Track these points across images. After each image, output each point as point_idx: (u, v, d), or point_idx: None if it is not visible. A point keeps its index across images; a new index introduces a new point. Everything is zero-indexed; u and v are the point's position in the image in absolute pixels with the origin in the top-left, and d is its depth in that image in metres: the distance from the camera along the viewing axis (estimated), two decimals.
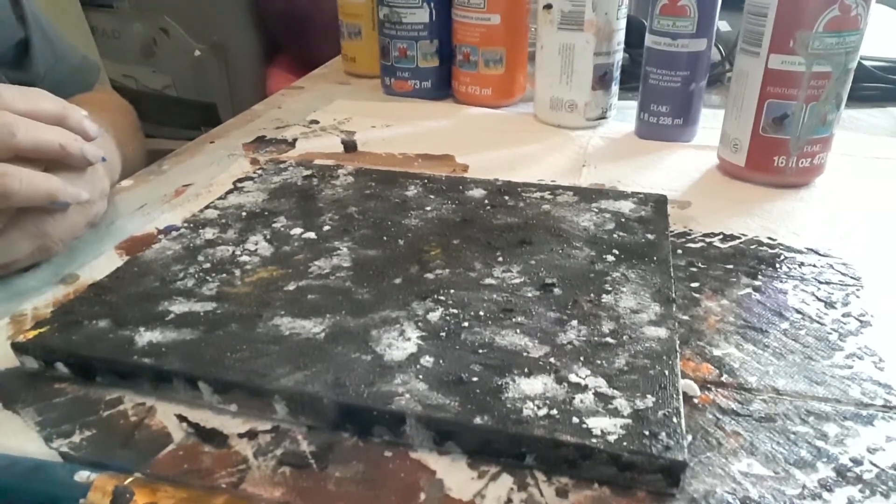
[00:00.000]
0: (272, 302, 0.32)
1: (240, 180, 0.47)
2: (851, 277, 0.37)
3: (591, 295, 0.33)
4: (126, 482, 0.25)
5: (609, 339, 0.30)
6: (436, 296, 0.33)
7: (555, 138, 0.57)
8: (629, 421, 0.25)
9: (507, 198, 0.43)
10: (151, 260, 0.36)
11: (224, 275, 0.35)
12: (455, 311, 0.32)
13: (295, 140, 0.57)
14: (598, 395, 0.26)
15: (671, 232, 0.41)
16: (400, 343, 0.29)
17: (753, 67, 0.46)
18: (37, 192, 0.33)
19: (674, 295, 0.33)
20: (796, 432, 0.27)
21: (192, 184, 0.49)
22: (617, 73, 0.59)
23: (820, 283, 0.36)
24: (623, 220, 0.40)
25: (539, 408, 0.26)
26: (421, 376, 0.27)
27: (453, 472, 0.25)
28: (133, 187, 0.49)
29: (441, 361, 0.28)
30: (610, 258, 0.36)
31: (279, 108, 0.67)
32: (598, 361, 0.28)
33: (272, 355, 0.29)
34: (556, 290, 0.33)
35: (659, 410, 0.25)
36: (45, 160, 0.35)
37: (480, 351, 0.29)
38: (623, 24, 0.57)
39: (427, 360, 0.28)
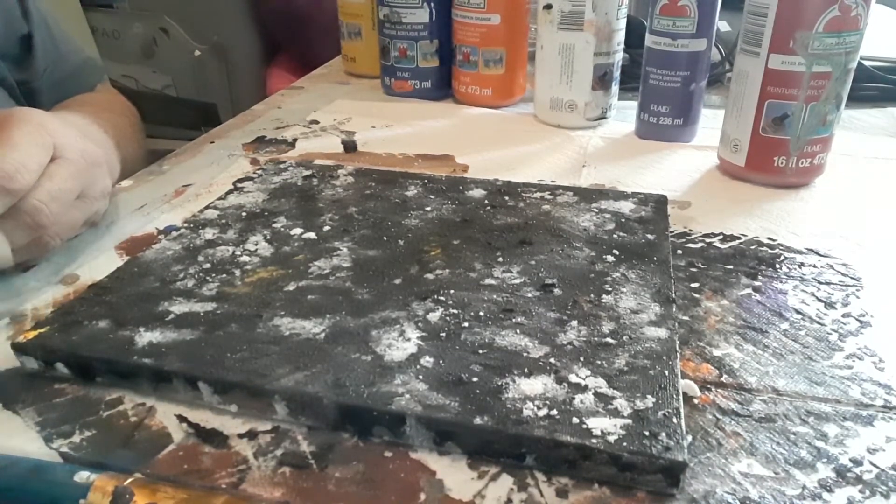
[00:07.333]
0: (272, 302, 0.32)
1: (240, 180, 0.47)
2: (851, 278, 0.37)
3: (591, 295, 0.33)
4: (126, 482, 0.25)
5: (609, 340, 0.30)
6: (436, 296, 0.33)
7: (555, 138, 0.57)
8: (629, 421, 0.25)
9: (507, 198, 0.43)
10: (151, 260, 0.36)
11: (224, 275, 0.35)
12: (455, 311, 0.32)
13: (295, 140, 0.57)
14: (598, 396, 0.26)
15: (671, 232, 0.41)
16: (400, 343, 0.29)
17: (753, 67, 0.46)
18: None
19: (674, 295, 0.33)
20: (796, 433, 0.27)
21: (192, 184, 0.49)
22: (617, 73, 0.59)
23: (820, 283, 0.36)
24: (623, 220, 0.40)
25: (539, 408, 0.26)
26: (421, 377, 0.27)
27: (453, 473, 0.25)
28: (133, 187, 0.49)
29: (441, 362, 0.28)
30: (610, 258, 0.36)
31: (279, 108, 0.67)
32: (598, 362, 0.28)
33: (272, 355, 0.29)
34: (556, 291, 0.33)
35: (659, 411, 0.25)
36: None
37: (480, 351, 0.29)
38: (623, 24, 0.57)
39: (427, 361, 0.28)
